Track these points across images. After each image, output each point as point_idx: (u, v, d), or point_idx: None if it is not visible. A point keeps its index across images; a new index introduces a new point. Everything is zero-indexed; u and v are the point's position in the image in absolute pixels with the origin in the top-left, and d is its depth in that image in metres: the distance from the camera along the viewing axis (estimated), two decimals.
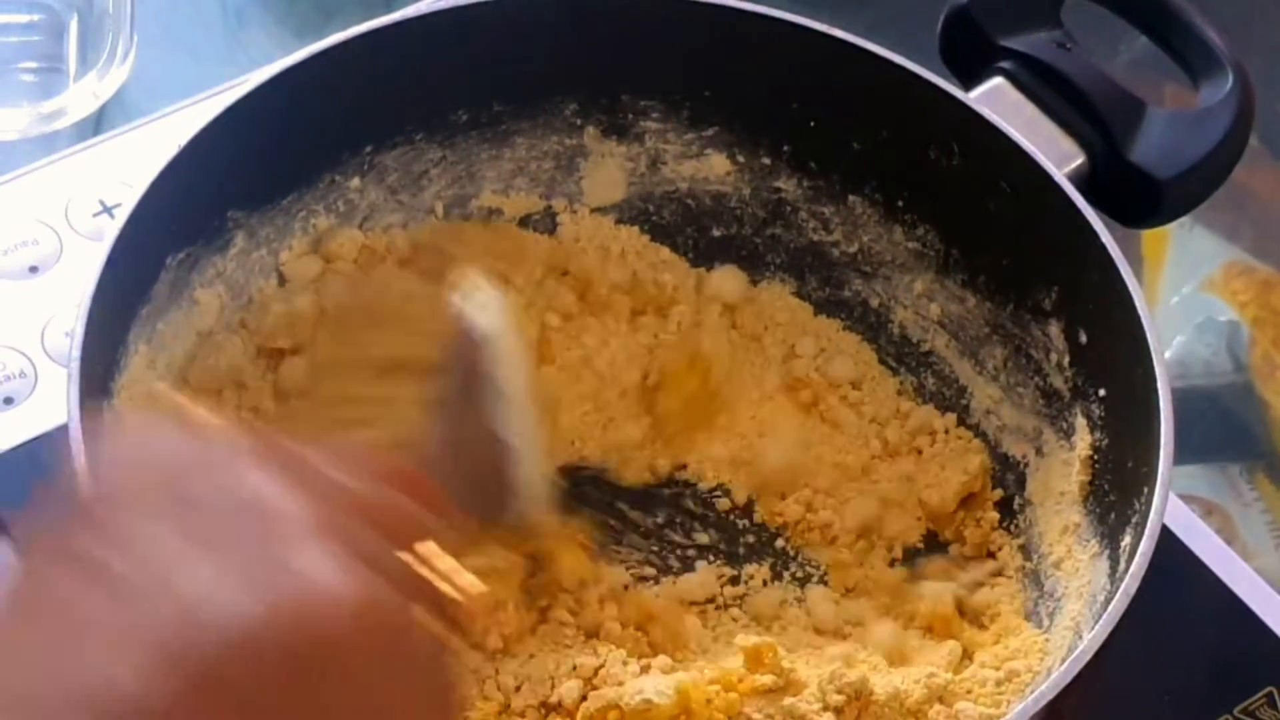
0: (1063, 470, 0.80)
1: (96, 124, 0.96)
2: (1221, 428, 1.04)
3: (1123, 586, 0.67)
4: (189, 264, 0.79)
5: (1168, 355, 1.04)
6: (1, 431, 0.84)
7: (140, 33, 0.96)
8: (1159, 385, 0.73)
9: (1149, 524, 0.69)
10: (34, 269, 0.88)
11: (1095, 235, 0.77)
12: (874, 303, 0.88)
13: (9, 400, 0.84)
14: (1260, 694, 0.82)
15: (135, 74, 0.96)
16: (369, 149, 0.84)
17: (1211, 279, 1.05)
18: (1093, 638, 0.65)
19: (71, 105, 0.94)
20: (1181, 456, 0.94)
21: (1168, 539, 0.85)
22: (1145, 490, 0.71)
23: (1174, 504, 0.87)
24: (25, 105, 0.95)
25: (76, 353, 0.70)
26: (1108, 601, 0.69)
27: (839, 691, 0.71)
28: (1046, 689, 0.65)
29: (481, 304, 0.70)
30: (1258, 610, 0.85)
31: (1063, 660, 0.69)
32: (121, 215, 0.74)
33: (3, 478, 0.82)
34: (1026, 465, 0.83)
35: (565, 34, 0.84)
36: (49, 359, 0.85)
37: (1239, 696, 0.82)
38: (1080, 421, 0.79)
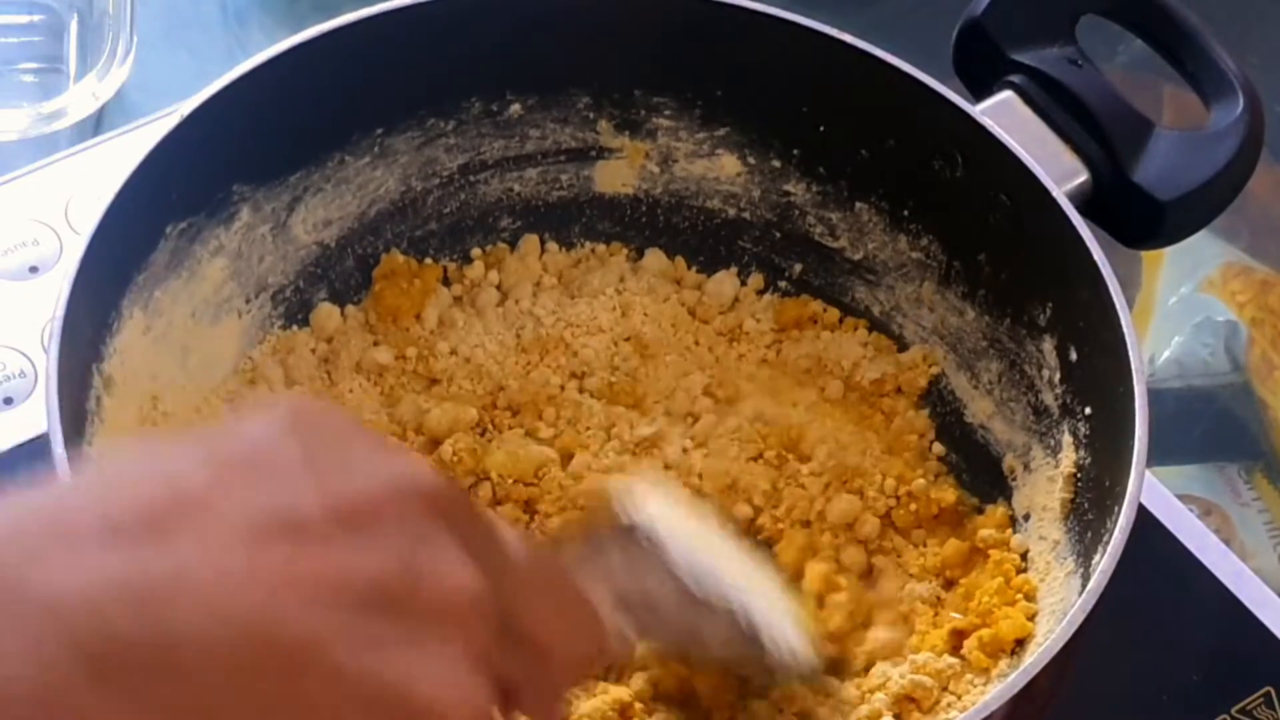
0: (1047, 487, 0.80)
1: (96, 124, 0.97)
2: (1219, 428, 1.03)
3: (1079, 601, 0.67)
4: (190, 234, 0.80)
5: (1166, 355, 1.04)
6: (1, 431, 0.84)
7: (140, 33, 0.97)
8: (1137, 406, 0.72)
9: (1113, 543, 0.69)
10: (34, 269, 0.89)
11: (1088, 252, 0.77)
12: (876, 311, 0.88)
13: (9, 400, 0.85)
14: (1258, 693, 0.82)
15: (135, 75, 0.96)
16: (380, 131, 0.85)
17: (1210, 279, 1.05)
18: (1036, 659, 0.65)
19: (71, 106, 0.95)
20: (1179, 456, 0.94)
21: (1166, 539, 0.86)
22: (1116, 509, 0.71)
23: (1172, 504, 0.87)
24: (25, 106, 0.95)
25: (61, 311, 0.71)
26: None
27: None
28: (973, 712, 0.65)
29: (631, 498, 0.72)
30: (1255, 610, 0.85)
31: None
32: (118, 180, 0.75)
33: (3, 478, 0.82)
34: (1014, 480, 0.82)
35: (580, 27, 0.85)
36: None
37: (1236, 696, 0.82)
38: (1067, 439, 0.79)
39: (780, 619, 0.71)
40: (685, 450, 0.84)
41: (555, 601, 0.55)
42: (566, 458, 0.83)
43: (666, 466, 0.83)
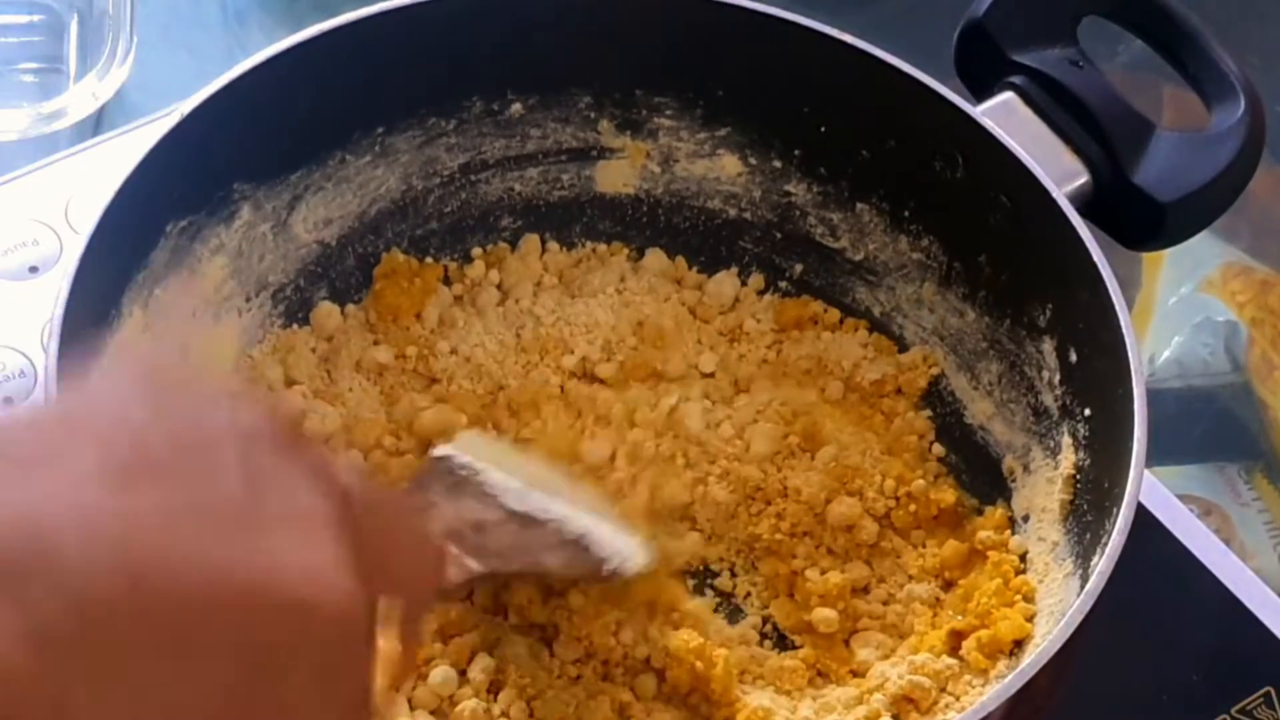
0: (1046, 488, 0.80)
1: (96, 124, 0.96)
2: (1219, 428, 1.03)
3: (1077, 602, 0.67)
4: (191, 233, 0.80)
5: (1166, 355, 1.04)
6: None
7: (140, 33, 0.96)
8: (1136, 408, 0.72)
9: (1111, 544, 0.69)
10: (34, 269, 0.88)
11: (1087, 253, 0.77)
12: (876, 311, 0.88)
13: (9, 400, 0.85)
14: (1258, 693, 0.82)
15: (135, 75, 0.96)
16: (380, 130, 0.85)
17: (1210, 279, 1.05)
18: (1033, 660, 0.65)
19: (71, 106, 0.94)
20: (1179, 456, 0.94)
21: (1166, 539, 0.86)
22: (1115, 511, 0.71)
23: (1172, 504, 0.87)
24: (25, 106, 0.95)
25: (60, 309, 0.71)
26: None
27: None
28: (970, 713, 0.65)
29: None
30: (1255, 610, 0.85)
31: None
32: (118, 178, 0.75)
33: None
34: (1014, 481, 0.82)
35: (581, 27, 0.85)
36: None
37: (1236, 696, 0.82)
38: (1066, 440, 0.79)
39: (601, 523, 0.74)
40: (709, 425, 0.84)
41: (396, 529, 0.57)
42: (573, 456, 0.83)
43: (695, 441, 0.84)
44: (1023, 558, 0.80)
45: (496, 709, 0.74)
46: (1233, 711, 0.81)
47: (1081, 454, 0.78)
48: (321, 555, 0.50)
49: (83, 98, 0.95)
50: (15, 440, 0.50)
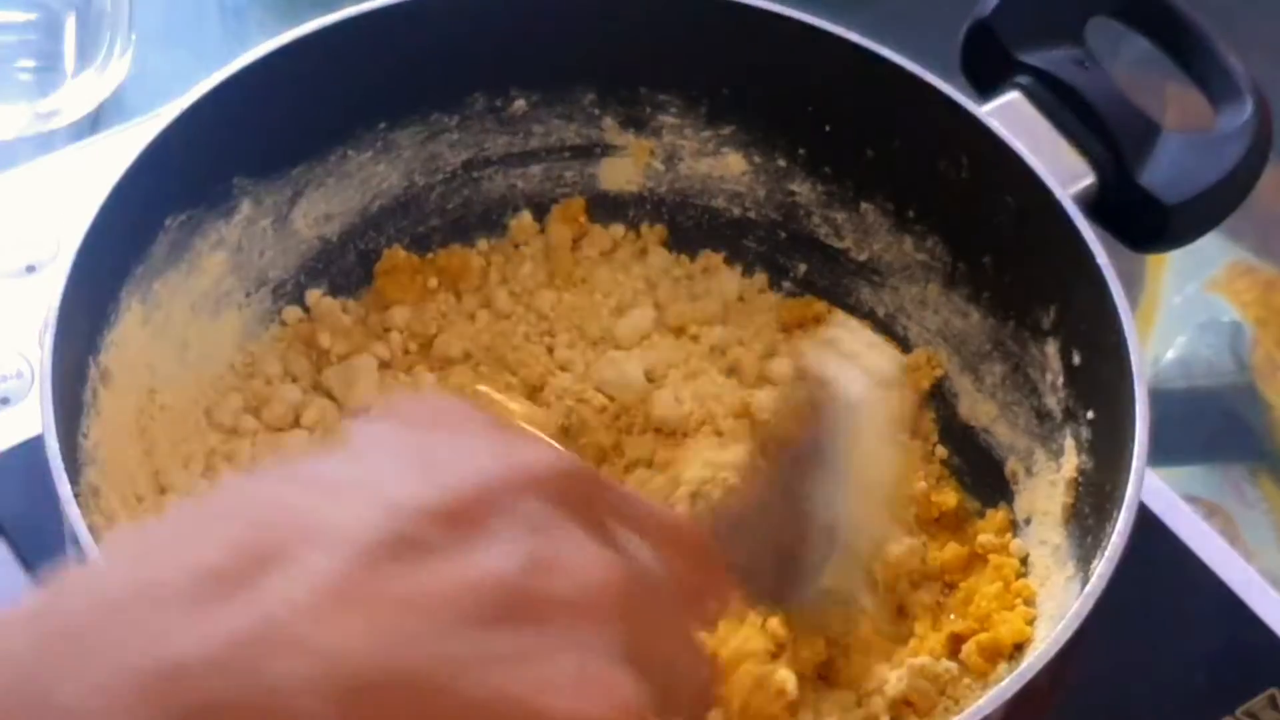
0: (1049, 491, 0.80)
1: (94, 123, 0.96)
2: (1224, 428, 1.03)
3: (1076, 605, 0.67)
4: (190, 227, 0.80)
5: (1170, 355, 1.03)
6: None
7: (138, 31, 0.97)
8: (1138, 411, 0.72)
9: (1111, 547, 0.69)
10: (31, 268, 0.88)
11: (1091, 255, 0.76)
12: (880, 312, 0.87)
13: (6, 400, 0.85)
14: (1262, 695, 0.82)
15: (133, 73, 0.96)
16: (383, 125, 0.85)
17: (1214, 279, 1.05)
18: (1032, 663, 0.65)
19: (68, 104, 0.94)
20: (1184, 457, 0.93)
21: (1170, 541, 0.86)
22: (1116, 514, 0.71)
23: (1176, 505, 0.86)
24: (22, 104, 0.95)
25: (58, 301, 0.70)
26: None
27: None
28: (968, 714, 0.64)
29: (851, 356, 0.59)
30: (1260, 611, 0.85)
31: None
32: (119, 170, 0.74)
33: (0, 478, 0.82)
34: (1016, 484, 0.82)
35: (585, 23, 0.85)
36: None
37: (1241, 698, 0.82)
38: (1069, 443, 0.79)
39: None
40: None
41: (671, 628, 0.47)
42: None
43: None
44: (1024, 561, 0.79)
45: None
46: (1237, 714, 0.81)
47: (1084, 457, 0.77)
48: (598, 668, 0.42)
49: (80, 95, 0.95)
50: (234, 529, 0.42)
